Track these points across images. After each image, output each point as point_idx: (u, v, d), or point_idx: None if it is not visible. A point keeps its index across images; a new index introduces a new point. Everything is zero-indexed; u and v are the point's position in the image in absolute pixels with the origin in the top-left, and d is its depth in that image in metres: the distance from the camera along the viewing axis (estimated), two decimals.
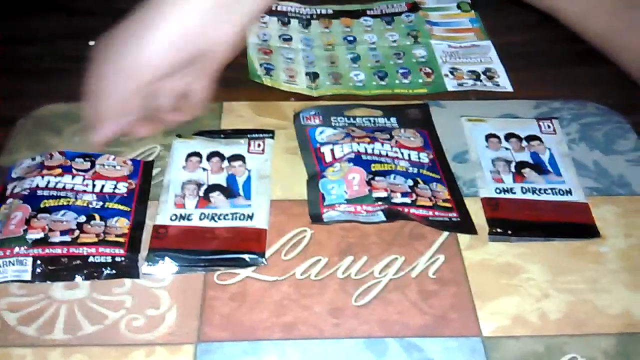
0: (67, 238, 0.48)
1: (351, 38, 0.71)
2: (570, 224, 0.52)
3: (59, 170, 0.52)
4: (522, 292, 0.47)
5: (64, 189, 0.51)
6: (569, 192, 0.54)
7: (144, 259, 0.48)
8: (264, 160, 0.55)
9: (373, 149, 0.55)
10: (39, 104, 0.60)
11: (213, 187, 0.53)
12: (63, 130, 0.58)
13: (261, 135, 0.57)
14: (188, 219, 0.50)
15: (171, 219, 0.50)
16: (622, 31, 0.56)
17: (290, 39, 0.70)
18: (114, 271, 0.47)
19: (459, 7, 0.75)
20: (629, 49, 0.55)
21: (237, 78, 0.64)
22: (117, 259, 0.47)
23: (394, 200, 0.51)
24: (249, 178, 0.54)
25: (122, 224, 0.49)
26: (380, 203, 0.51)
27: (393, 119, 0.59)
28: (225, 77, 0.64)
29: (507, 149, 0.57)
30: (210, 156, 0.55)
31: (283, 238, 0.50)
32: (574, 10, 0.58)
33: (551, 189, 0.54)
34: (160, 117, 0.53)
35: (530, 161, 0.56)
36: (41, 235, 0.47)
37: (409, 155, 0.55)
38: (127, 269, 0.47)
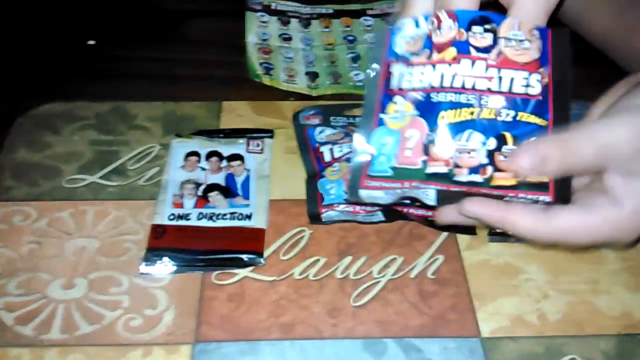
0: (479, 178, 0.35)
1: (351, 38, 0.70)
2: None
3: (454, 52, 0.35)
4: (522, 293, 0.47)
5: (463, 88, 0.35)
6: None
7: (142, 258, 0.48)
8: (263, 160, 0.55)
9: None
10: (37, 103, 0.60)
11: (212, 187, 0.52)
12: (61, 129, 0.57)
13: (260, 134, 0.57)
14: (186, 219, 0.50)
15: (169, 219, 0.50)
16: (622, 32, 0.56)
17: (290, 39, 0.70)
18: None
19: None
20: (628, 49, 0.55)
21: (236, 77, 0.64)
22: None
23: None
24: (247, 178, 0.53)
25: None
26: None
27: None
28: (225, 76, 0.65)
29: None
30: (209, 156, 0.55)
31: (282, 238, 0.50)
32: (574, 11, 0.58)
33: None
34: None
35: None
36: (445, 170, 0.35)
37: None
38: None
